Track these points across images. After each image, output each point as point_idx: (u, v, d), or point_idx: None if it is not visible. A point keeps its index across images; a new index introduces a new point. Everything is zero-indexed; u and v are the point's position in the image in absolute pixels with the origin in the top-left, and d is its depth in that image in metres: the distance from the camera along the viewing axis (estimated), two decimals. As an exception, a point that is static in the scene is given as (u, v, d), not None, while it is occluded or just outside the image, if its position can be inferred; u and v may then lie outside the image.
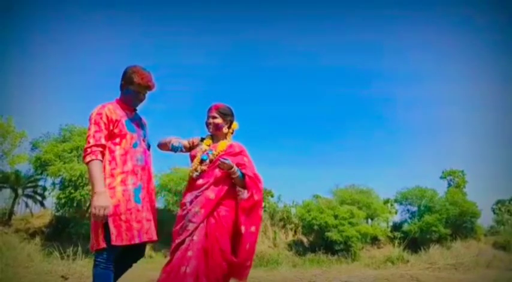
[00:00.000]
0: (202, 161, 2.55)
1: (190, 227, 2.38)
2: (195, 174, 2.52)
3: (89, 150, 2.07)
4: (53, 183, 16.89)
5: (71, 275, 5.15)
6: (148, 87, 2.27)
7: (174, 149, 2.60)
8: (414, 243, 20.21)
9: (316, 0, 42.45)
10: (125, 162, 2.14)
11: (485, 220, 25.16)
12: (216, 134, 2.66)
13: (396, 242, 20.73)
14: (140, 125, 2.35)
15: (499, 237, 20.84)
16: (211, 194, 2.45)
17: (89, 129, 2.14)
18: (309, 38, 42.07)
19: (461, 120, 43.30)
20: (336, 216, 19.15)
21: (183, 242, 2.36)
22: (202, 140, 2.70)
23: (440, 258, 19.00)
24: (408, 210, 22.52)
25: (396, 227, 22.22)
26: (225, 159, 2.45)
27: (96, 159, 2.05)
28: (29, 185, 18.44)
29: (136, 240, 2.07)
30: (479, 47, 40.51)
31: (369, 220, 21.52)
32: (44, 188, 18.25)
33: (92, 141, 2.08)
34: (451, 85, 40.91)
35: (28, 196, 18.40)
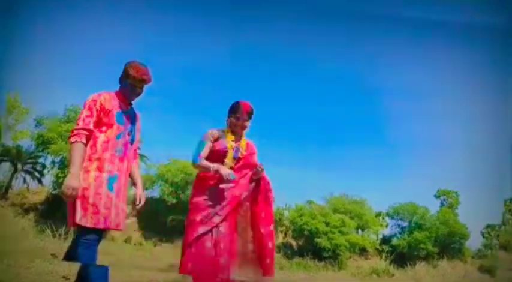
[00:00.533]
0: (233, 160, 2.70)
1: (217, 219, 2.51)
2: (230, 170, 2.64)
3: (75, 131, 2.17)
4: (53, 162, 17.03)
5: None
6: (144, 81, 2.33)
7: (229, 180, 2.57)
8: (401, 258, 20.34)
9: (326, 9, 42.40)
10: (104, 150, 2.20)
11: (473, 243, 25.24)
12: (238, 132, 2.79)
13: (384, 255, 20.86)
14: (131, 119, 2.39)
15: (485, 260, 20.95)
16: (236, 191, 2.60)
17: (81, 112, 2.24)
18: (308, 46, 42.01)
19: (461, 140, 43.37)
20: (327, 224, 19.27)
21: (209, 232, 2.49)
22: (222, 131, 2.78)
23: (426, 275, 19.17)
24: (399, 225, 22.61)
25: (385, 240, 22.32)
26: (260, 165, 2.66)
27: (80, 141, 2.14)
28: (29, 161, 18.56)
29: (101, 226, 2.10)
30: (478, 63, 40.52)
31: (359, 231, 21.63)
32: (44, 166, 18.38)
33: (80, 124, 2.18)
34: (451, 102, 40.90)
35: (27, 172, 18.52)
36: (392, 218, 22.92)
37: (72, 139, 2.15)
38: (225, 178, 2.50)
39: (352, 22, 42.13)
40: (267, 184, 2.73)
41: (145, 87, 2.42)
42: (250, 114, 2.71)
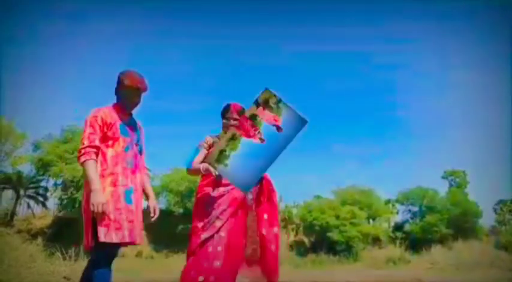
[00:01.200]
0: None
1: (218, 223, 2.47)
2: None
3: (83, 150, 2.16)
4: (55, 184, 16.95)
5: (73, 275, 5.16)
6: (139, 89, 2.31)
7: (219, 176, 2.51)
8: (416, 243, 20.18)
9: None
10: (115, 164, 2.21)
11: (486, 220, 25.08)
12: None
13: (398, 242, 20.71)
14: (134, 129, 2.39)
15: (500, 237, 20.77)
16: (237, 193, 2.53)
17: (84, 131, 2.24)
18: (311, 39, 42.07)
19: (464, 120, 43.26)
20: (337, 217, 19.13)
21: (211, 237, 2.45)
22: (217, 137, 2.74)
23: (442, 258, 18.96)
24: (410, 210, 22.52)
25: (398, 227, 22.19)
26: None
27: (90, 159, 2.15)
28: (31, 185, 18.47)
29: (127, 239, 2.12)
30: (484, 45, 40.48)
31: (371, 220, 21.49)
32: (46, 189, 18.29)
33: (86, 143, 2.18)
34: (453, 84, 40.82)
35: (30, 197, 18.41)
36: (402, 204, 22.81)
37: (82, 158, 2.15)
38: (214, 174, 2.45)
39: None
40: (269, 184, 2.65)
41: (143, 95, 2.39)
42: (241, 113, 2.64)
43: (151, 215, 2.40)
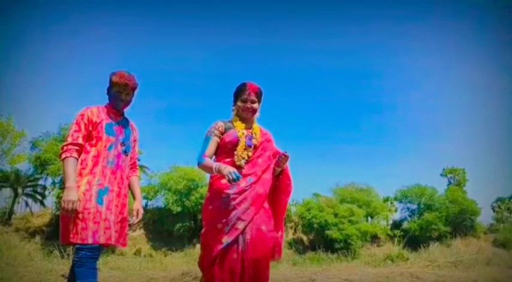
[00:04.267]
0: (247, 148, 2.29)
1: (241, 225, 2.13)
2: (243, 162, 2.26)
3: (65, 148, 2.18)
4: (53, 182, 16.94)
5: None
6: (127, 85, 2.31)
7: (234, 181, 2.04)
8: (414, 241, 20.23)
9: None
10: (95, 164, 2.20)
11: (485, 218, 25.22)
12: (248, 118, 2.38)
13: (396, 240, 20.74)
14: (124, 130, 2.37)
15: (498, 234, 20.89)
16: (260, 188, 2.22)
17: (70, 128, 2.28)
18: (314, 40, 42.14)
19: (462, 118, 43.35)
20: (335, 215, 19.18)
21: (235, 241, 2.11)
22: (229, 122, 2.39)
23: (440, 256, 18.96)
24: (408, 208, 22.61)
25: (396, 225, 22.27)
26: (285, 152, 2.24)
27: (71, 156, 2.15)
28: (29, 184, 18.46)
29: (90, 241, 2.06)
30: (482, 44, 40.49)
31: (369, 218, 21.56)
32: (44, 187, 18.29)
33: (69, 140, 2.20)
34: (452, 83, 40.90)
35: (28, 195, 18.41)
36: (401, 201, 22.90)
37: (63, 155, 2.17)
38: (227, 179, 2.03)
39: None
40: (287, 177, 2.35)
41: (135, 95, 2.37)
42: (258, 94, 2.34)
43: (134, 217, 2.36)
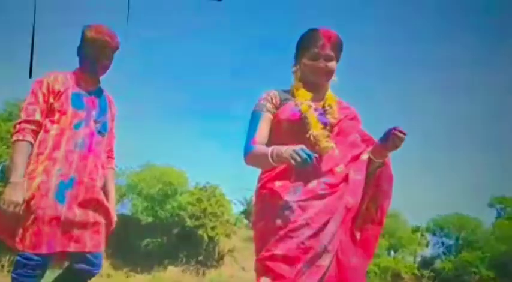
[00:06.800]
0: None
1: (325, 260, 1.65)
2: (331, 144, 1.78)
3: (17, 127, 2.08)
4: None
5: None
6: (106, 42, 2.19)
7: (305, 163, 1.59)
8: (447, 285, 20.37)
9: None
10: (56, 147, 2.09)
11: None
12: (319, 83, 1.94)
13: (424, 281, 20.87)
14: (99, 103, 2.29)
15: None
16: (350, 197, 1.71)
17: (25, 100, 2.17)
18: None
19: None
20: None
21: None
22: (289, 93, 1.96)
23: (479, 307, 19.15)
24: (443, 243, 22.64)
25: (426, 263, 22.31)
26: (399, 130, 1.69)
27: (23, 139, 2.04)
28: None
29: (43, 250, 1.96)
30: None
31: (392, 252, 21.61)
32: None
33: (23, 116, 2.10)
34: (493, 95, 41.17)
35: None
36: (434, 234, 22.93)
37: (14, 137, 2.05)
38: (294, 163, 1.59)
39: None
40: (389, 176, 1.88)
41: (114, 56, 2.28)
42: (336, 46, 1.88)
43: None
